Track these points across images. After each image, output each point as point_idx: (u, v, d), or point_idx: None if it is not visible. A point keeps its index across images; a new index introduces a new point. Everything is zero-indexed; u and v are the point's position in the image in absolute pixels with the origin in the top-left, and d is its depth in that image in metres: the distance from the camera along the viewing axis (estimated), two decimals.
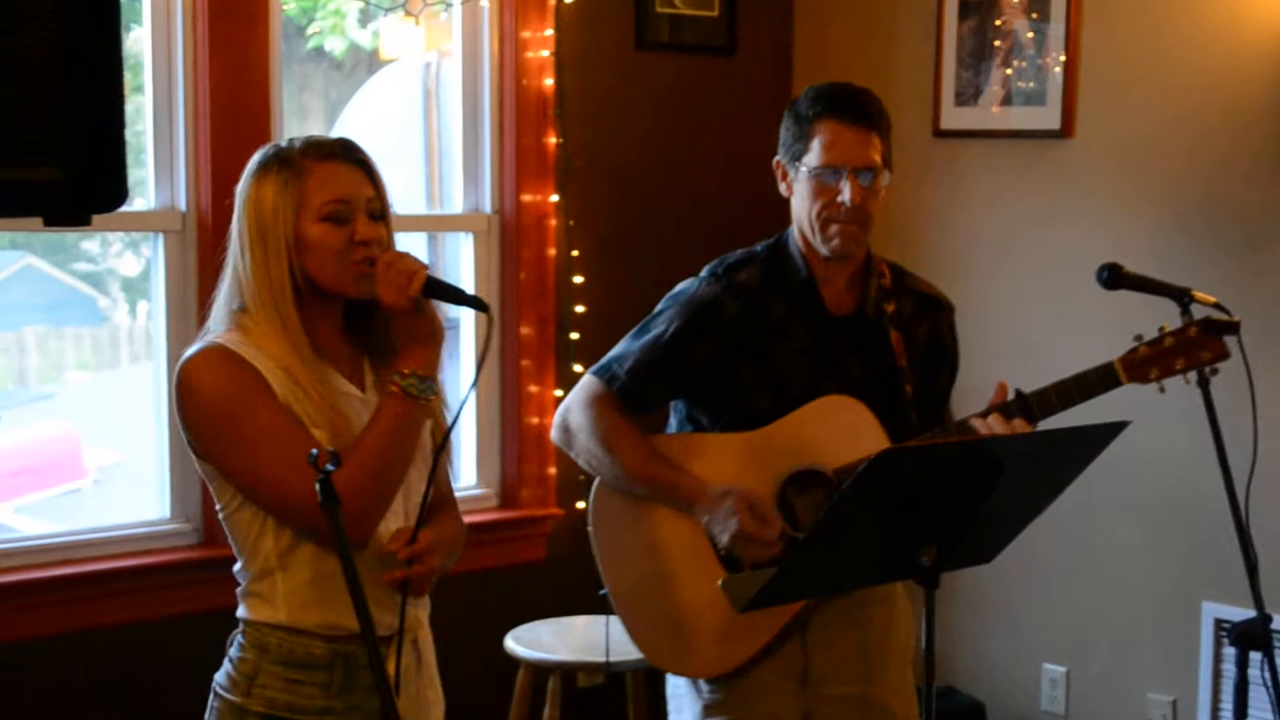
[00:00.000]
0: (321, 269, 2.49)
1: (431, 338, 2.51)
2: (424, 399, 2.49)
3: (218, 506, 2.57)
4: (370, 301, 2.52)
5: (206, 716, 2.58)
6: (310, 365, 2.49)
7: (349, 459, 2.40)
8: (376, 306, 2.53)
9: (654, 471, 3.06)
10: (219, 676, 2.58)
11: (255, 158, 2.55)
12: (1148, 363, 2.96)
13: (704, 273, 3.14)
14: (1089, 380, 2.96)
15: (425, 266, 2.47)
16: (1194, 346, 2.96)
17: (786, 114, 3.09)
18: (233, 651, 2.57)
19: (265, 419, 2.44)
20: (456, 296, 2.53)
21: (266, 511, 2.50)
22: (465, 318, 4.64)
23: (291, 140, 2.56)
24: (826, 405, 3.03)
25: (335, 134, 4.68)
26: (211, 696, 2.58)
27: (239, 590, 2.59)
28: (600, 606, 3.19)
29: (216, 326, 2.54)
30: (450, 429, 2.57)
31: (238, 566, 2.59)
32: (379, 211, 2.54)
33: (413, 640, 2.60)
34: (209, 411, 2.47)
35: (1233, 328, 2.97)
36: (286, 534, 2.50)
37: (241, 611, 2.58)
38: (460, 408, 2.57)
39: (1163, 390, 3.00)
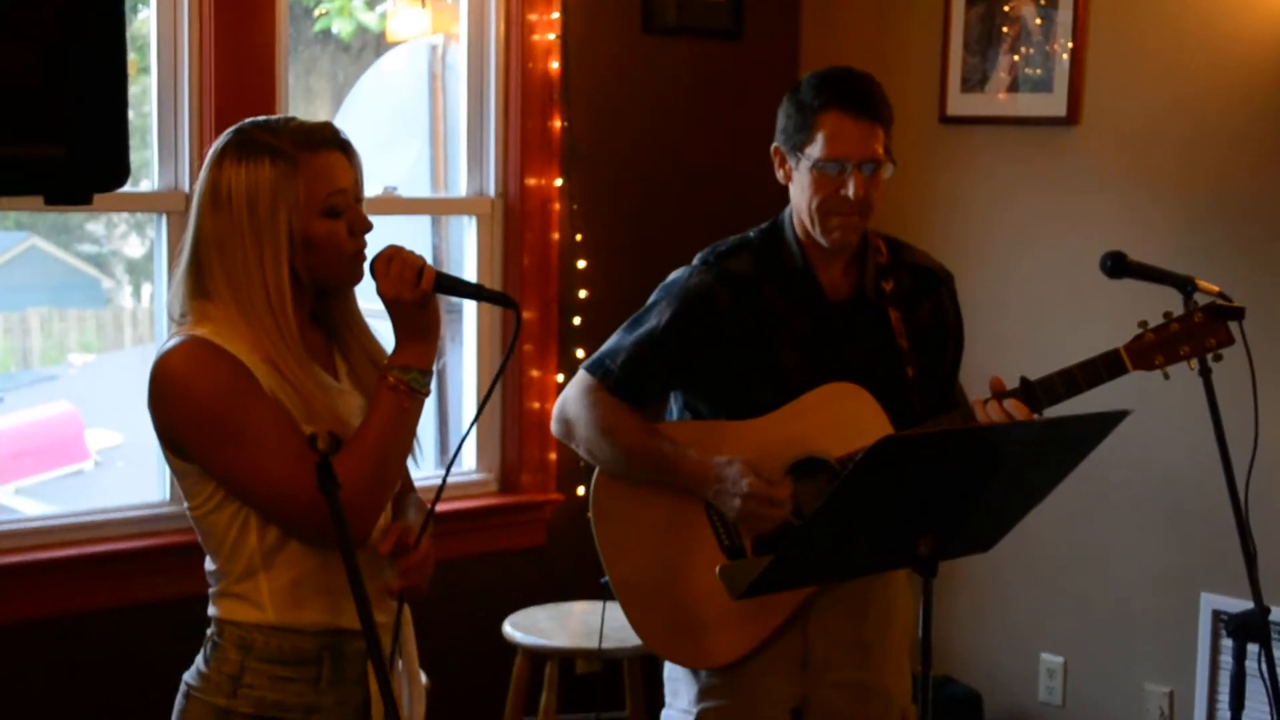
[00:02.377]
0: (327, 265, 2.43)
1: (432, 332, 2.46)
2: (424, 393, 2.45)
3: (188, 506, 2.46)
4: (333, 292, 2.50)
5: (174, 717, 2.50)
6: (296, 358, 2.41)
7: (349, 451, 2.35)
8: (334, 293, 2.50)
9: (656, 450, 3.04)
10: (189, 677, 2.49)
11: (227, 143, 2.42)
12: (1153, 349, 2.96)
13: (696, 261, 3.11)
14: (1094, 368, 2.96)
15: (424, 259, 2.43)
16: (1199, 332, 2.96)
17: (787, 100, 3.05)
18: (208, 651, 2.48)
19: (260, 415, 2.35)
20: (474, 293, 2.51)
21: (259, 510, 2.40)
22: (469, 303, 4.62)
23: (269, 125, 2.43)
24: (830, 393, 3.02)
25: (342, 116, 4.71)
26: (181, 698, 2.50)
27: (212, 591, 2.49)
28: (599, 593, 3.18)
29: (184, 318, 2.43)
30: (472, 423, 2.61)
31: (211, 567, 2.49)
32: (360, 195, 2.48)
33: (389, 634, 2.53)
34: (200, 406, 2.35)
35: (1238, 313, 2.97)
36: (271, 532, 2.42)
37: (218, 611, 2.48)
38: (482, 405, 2.62)
39: (1167, 377, 3.00)
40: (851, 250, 3.07)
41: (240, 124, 2.45)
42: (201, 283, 2.41)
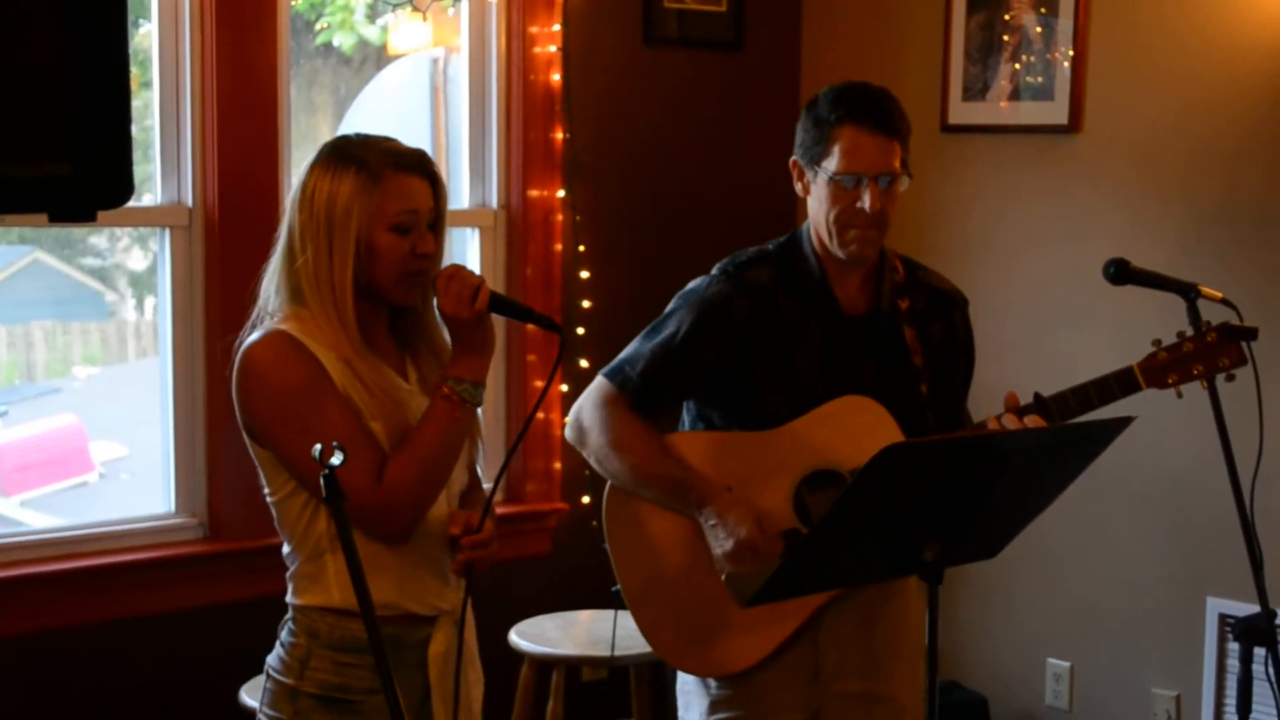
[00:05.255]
0: (384, 275, 2.58)
1: (486, 348, 2.63)
2: (475, 404, 2.62)
3: (267, 492, 2.65)
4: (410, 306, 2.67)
5: (261, 696, 2.68)
6: (366, 359, 2.59)
7: (403, 452, 2.55)
8: (410, 309, 2.67)
9: (664, 473, 3.04)
10: (271, 659, 2.67)
11: (324, 151, 2.61)
12: (1166, 368, 2.98)
13: (715, 271, 3.11)
14: (1107, 385, 2.97)
15: (483, 280, 2.59)
16: (1212, 352, 2.97)
17: (805, 114, 3.06)
18: (284, 636, 2.67)
19: (327, 407, 2.53)
20: (524, 314, 2.66)
21: (319, 499, 2.57)
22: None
23: (366, 140, 2.62)
24: (844, 405, 3.02)
25: (343, 129, 4.73)
26: (265, 678, 2.68)
27: (288, 574, 2.67)
28: (606, 601, 3.19)
29: (273, 312, 2.61)
30: (518, 440, 2.85)
31: (286, 550, 2.68)
32: (435, 223, 2.64)
33: (457, 620, 2.71)
34: (276, 398, 2.56)
35: (1251, 333, 2.98)
36: None
37: (290, 597, 2.66)
38: (527, 423, 2.84)
39: (1180, 395, 3.01)
40: (868, 265, 3.08)
41: (340, 136, 2.66)
42: (296, 284, 2.59)
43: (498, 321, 4.28)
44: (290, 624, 2.67)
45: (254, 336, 2.59)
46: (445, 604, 2.69)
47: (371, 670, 2.59)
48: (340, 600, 2.59)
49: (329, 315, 2.56)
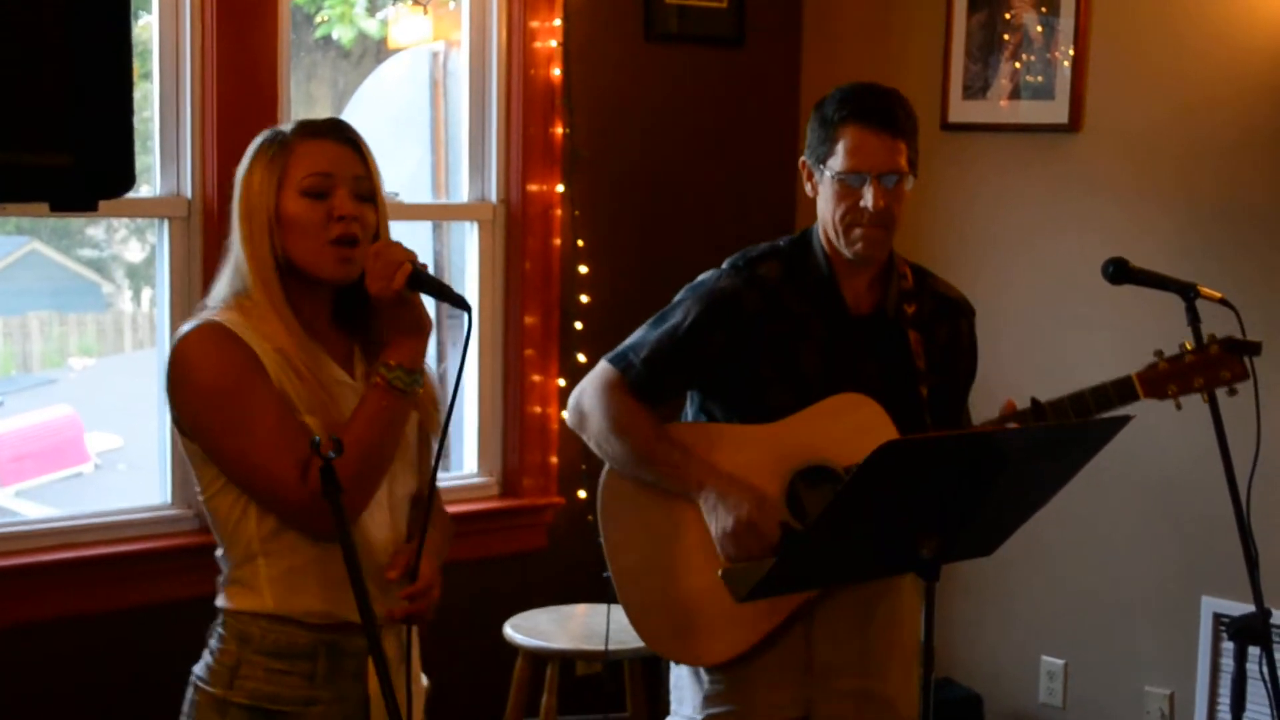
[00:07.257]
0: (299, 246, 2.47)
1: (417, 330, 2.49)
2: (409, 392, 2.47)
3: (197, 489, 2.53)
4: (360, 290, 2.49)
5: (184, 709, 2.54)
6: (305, 348, 2.47)
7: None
8: (367, 295, 2.49)
9: (663, 455, 3.05)
10: (197, 669, 2.55)
11: (255, 140, 2.54)
12: (1167, 379, 2.98)
13: (725, 265, 3.13)
14: (1105, 393, 2.98)
15: (412, 257, 2.45)
16: (1214, 365, 2.97)
17: (813, 114, 3.08)
18: (213, 643, 2.54)
19: (258, 402, 2.41)
20: (440, 292, 2.48)
21: (250, 496, 2.46)
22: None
23: (294, 121, 2.55)
24: (840, 403, 3.03)
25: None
26: (189, 689, 2.55)
27: (219, 579, 2.55)
28: (600, 594, 3.19)
29: (215, 304, 2.50)
30: (445, 428, 2.55)
31: (219, 553, 2.56)
32: (367, 192, 2.51)
33: (399, 633, 2.58)
34: (202, 390, 2.44)
35: (1255, 348, 2.97)
36: (270, 520, 2.47)
37: (221, 601, 2.54)
38: (450, 409, 2.49)
39: (1179, 407, 3.01)
40: (876, 266, 3.09)
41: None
42: (238, 271, 2.50)
43: (496, 317, 4.29)
44: (219, 629, 2.53)
45: (188, 327, 2.47)
46: (390, 649, 2.54)
47: (306, 678, 2.49)
48: (274, 605, 2.48)
49: (264, 301, 2.45)
